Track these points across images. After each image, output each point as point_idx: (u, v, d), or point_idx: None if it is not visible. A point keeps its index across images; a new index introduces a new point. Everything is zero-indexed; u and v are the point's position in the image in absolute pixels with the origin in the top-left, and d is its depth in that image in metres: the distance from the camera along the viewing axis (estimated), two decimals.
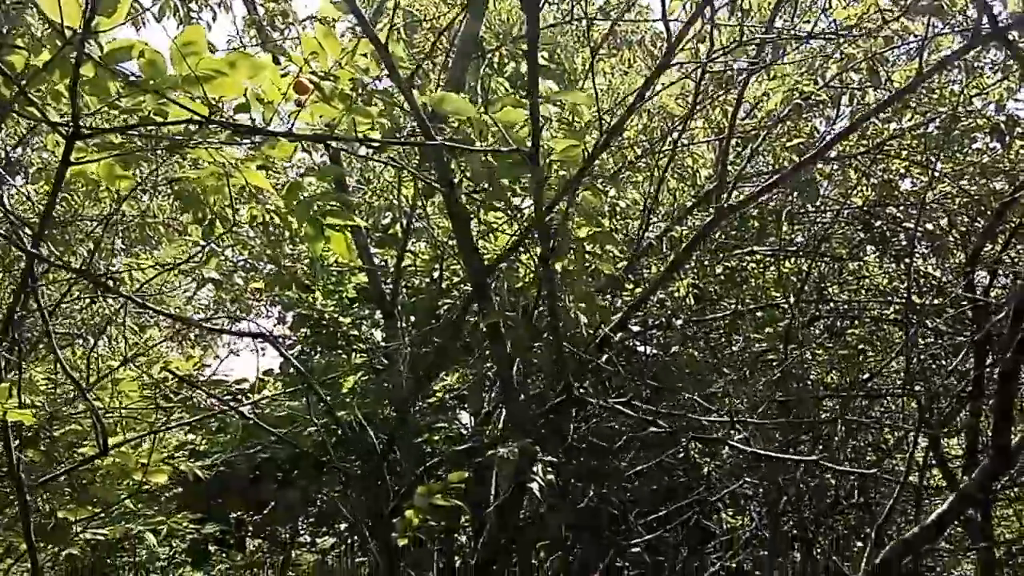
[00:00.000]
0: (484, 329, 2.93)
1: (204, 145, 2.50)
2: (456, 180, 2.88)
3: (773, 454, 3.21)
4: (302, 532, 7.56)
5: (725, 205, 2.97)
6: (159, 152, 2.74)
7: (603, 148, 2.43)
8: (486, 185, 2.45)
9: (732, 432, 2.58)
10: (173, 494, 5.92)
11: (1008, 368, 2.88)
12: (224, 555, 7.19)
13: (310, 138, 2.39)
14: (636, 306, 3.50)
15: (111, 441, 3.39)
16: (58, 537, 3.38)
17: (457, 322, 2.49)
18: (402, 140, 2.58)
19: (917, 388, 4.02)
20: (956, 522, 5.86)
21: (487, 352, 4.13)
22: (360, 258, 5.64)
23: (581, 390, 2.61)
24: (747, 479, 4.84)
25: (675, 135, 3.45)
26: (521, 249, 3.01)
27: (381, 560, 2.58)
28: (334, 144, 2.83)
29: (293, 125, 2.32)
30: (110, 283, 2.68)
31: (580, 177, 2.43)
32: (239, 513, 6.38)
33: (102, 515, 4.02)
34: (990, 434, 3.50)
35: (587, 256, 2.52)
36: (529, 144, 2.08)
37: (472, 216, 3.15)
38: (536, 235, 2.26)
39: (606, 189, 2.87)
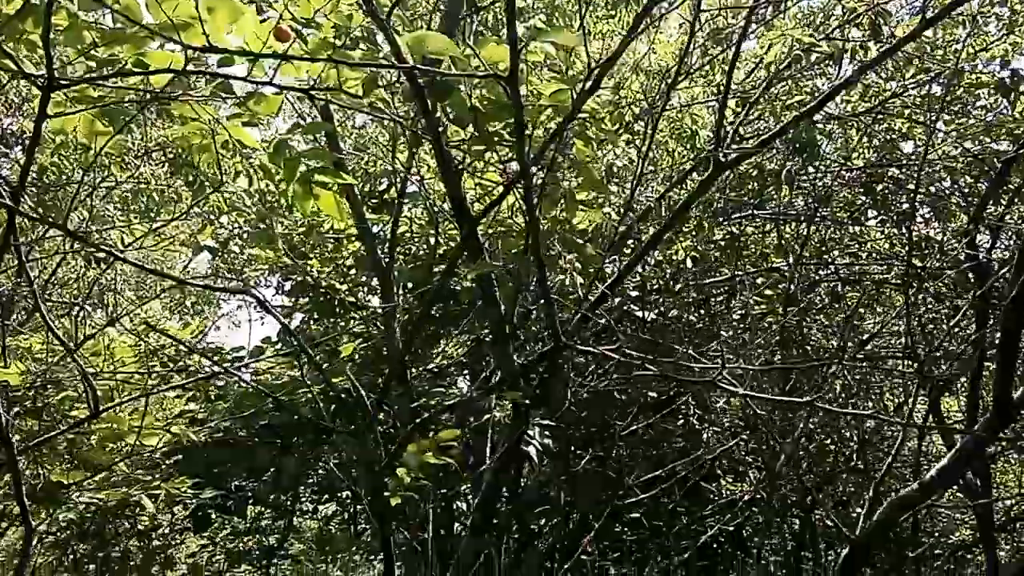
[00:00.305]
0: (473, 281, 2.90)
1: (186, 98, 2.44)
2: (441, 129, 2.82)
3: (767, 396, 3.15)
4: (303, 499, 7.59)
5: (723, 159, 2.91)
6: (142, 108, 2.68)
7: (593, 89, 2.36)
8: (472, 131, 2.39)
9: (724, 374, 2.53)
10: (174, 461, 5.93)
11: (1010, 319, 2.82)
12: (225, 521, 7.23)
13: (293, 88, 2.33)
14: (633, 264, 3.45)
15: (106, 406, 3.36)
16: (51, 500, 3.37)
17: (447, 273, 2.45)
18: (382, 63, 2.50)
19: (918, 350, 3.98)
20: (956, 486, 5.87)
21: (482, 314, 4.10)
22: (356, 224, 5.59)
23: (574, 340, 2.56)
24: (744, 438, 4.82)
25: (671, 79, 3.35)
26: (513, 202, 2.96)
27: (374, 521, 2.56)
28: (318, 96, 2.77)
29: (274, 78, 2.26)
30: (93, 241, 2.63)
31: (569, 120, 2.36)
32: (238, 481, 6.38)
33: (97, 479, 4.02)
34: (991, 392, 3.47)
35: (578, 204, 2.47)
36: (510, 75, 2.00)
37: (461, 169, 3.08)
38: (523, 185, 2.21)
39: (599, 138, 2.80)
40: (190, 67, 2.04)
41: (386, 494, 2.57)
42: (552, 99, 2.38)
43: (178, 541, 7.35)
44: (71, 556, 6.35)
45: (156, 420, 4.24)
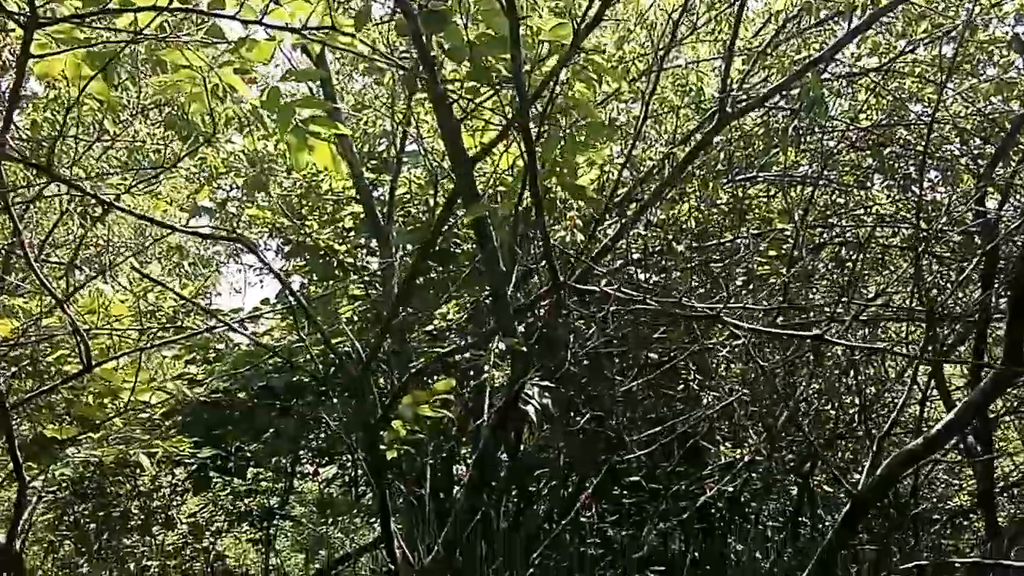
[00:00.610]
0: (470, 228, 2.83)
1: (175, 41, 2.36)
2: (437, 68, 2.73)
3: (771, 330, 3.08)
4: (304, 461, 7.60)
5: (730, 109, 2.83)
6: (126, 45, 2.60)
7: (596, 22, 2.27)
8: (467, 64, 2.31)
9: (726, 311, 2.46)
10: (173, 422, 5.93)
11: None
12: (226, 483, 7.25)
13: (283, 28, 2.25)
14: (637, 215, 3.38)
15: (99, 361, 3.33)
16: (45, 456, 3.36)
17: (442, 217, 2.39)
18: None
19: (921, 310, 3.92)
20: (956, 451, 5.86)
21: (481, 275, 4.04)
22: (355, 184, 5.52)
23: (573, 278, 2.50)
24: (744, 394, 4.78)
25: (674, 28, 3.25)
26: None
27: (369, 475, 2.54)
28: (310, 43, 2.68)
29: (263, 19, 2.19)
30: (83, 187, 2.57)
31: (570, 55, 2.28)
32: (238, 442, 6.38)
33: (96, 437, 4.00)
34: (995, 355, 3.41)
35: (578, 146, 2.39)
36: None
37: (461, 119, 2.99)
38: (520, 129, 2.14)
39: (600, 79, 2.71)
40: (176, 2, 1.97)
41: (382, 448, 2.54)
42: (552, 34, 2.29)
43: (179, 502, 7.39)
44: (71, 516, 6.39)
45: (153, 379, 4.22)
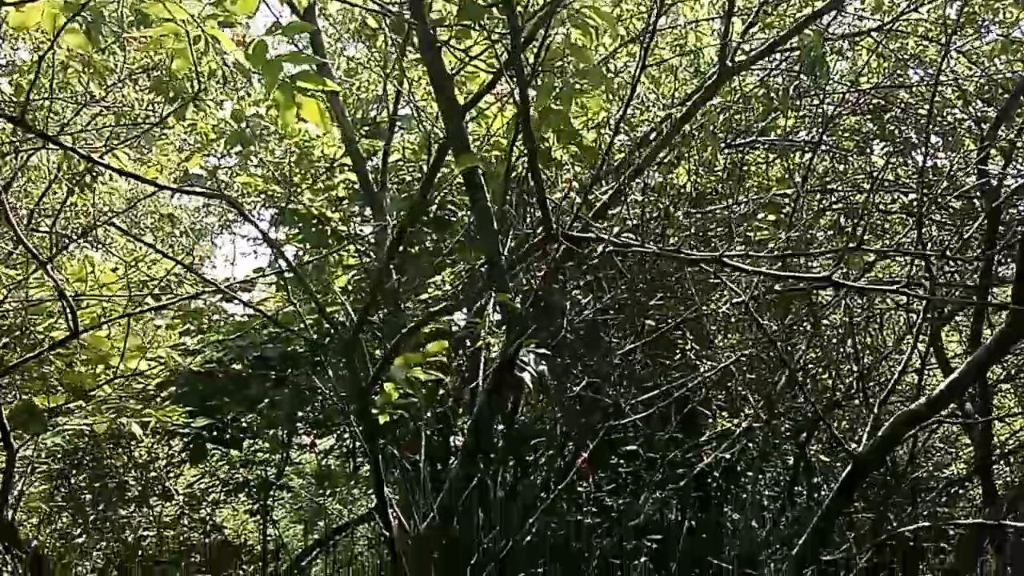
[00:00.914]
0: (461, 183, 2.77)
1: None
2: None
3: (776, 272, 3.01)
4: (300, 432, 7.58)
5: (730, 64, 2.75)
6: (116, 10, 2.51)
7: None
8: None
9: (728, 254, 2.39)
10: (169, 394, 5.90)
11: None
12: (222, 454, 7.24)
13: None
14: (634, 176, 3.31)
15: (86, 326, 3.27)
16: (34, 425, 3.32)
17: (433, 170, 2.32)
18: None
19: (922, 277, 3.87)
20: (954, 418, 5.84)
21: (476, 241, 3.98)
22: (347, 148, 5.43)
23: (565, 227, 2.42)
24: (744, 357, 4.74)
25: None
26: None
27: (362, 440, 2.49)
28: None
29: None
30: (61, 140, 2.49)
31: None
32: (233, 413, 6.35)
33: (89, 407, 3.96)
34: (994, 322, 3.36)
35: (574, 92, 2.31)
36: None
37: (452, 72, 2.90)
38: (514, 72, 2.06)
39: (596, 31, 2.61)
40: None
41: (373, 412, 2.50)
42: None
43: (176, 473, 7.38)
44: (67, 488, 6.38)
45: (144, 347, 4.16)
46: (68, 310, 2.87)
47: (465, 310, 5.83)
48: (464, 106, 2.52)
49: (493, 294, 2.74)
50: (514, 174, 3.57)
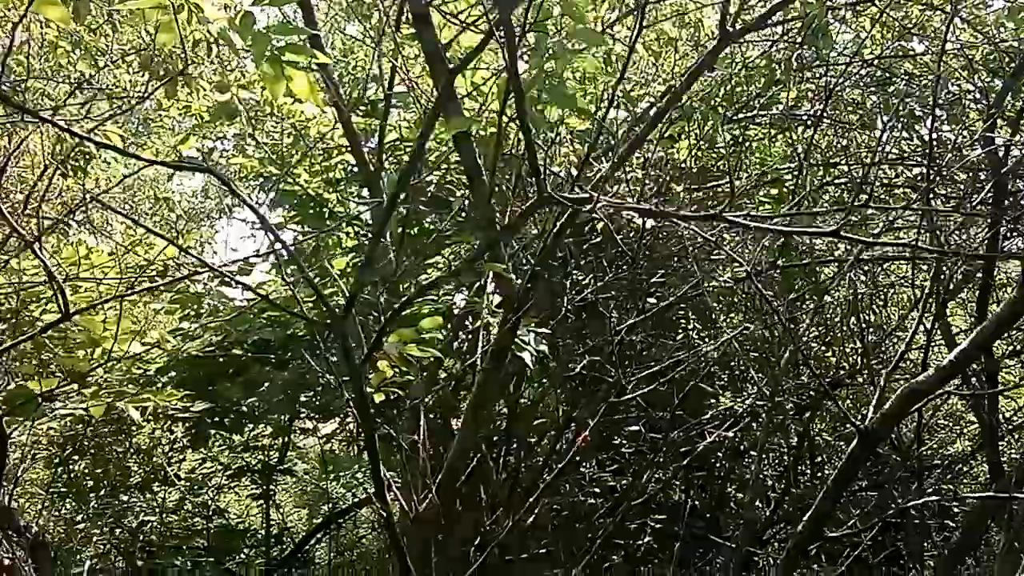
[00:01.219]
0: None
1: None
2: None
3: (779, 228, 2.94)
4: (302, 416, 7.55)
5: (730, 30, 2.67)
6: None
7: None
8: None
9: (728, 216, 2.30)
10: (169, 379, 5.86)
11: None
12: (224, 439, 7.22)
13: None
14: (634, 148, 3.24)
15: (77, 308, 3.22)
16: (25, 407, 3.28)
17: (423, 135, 2.25)
18: None
19: (928, 248, 3.81)
20: (959, 396, 5.79)
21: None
22: (344, 132, 5.35)
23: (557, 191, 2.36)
24: (747, 330, 4.68)
25: None
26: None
27: (358, 417, 2.45)
28: None
29: None
30: (42, 114, 2.43)
31: None
32: (233, 397, 6.31)
33: (87, 392, 3.91)
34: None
35: (568, 53, 2.25)
36: None
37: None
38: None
39: None
40: None
41: (369, 390, 2.45)
42: None
43: (179, 459, 7.36)
44: (69, 474, 6.37)
45: (138, 330, 4.11)
46: (58, 292, 2.82)
47: (464, 290, 5.81)
48: (454, 69, 2.45)
49: (485, 262, 2.68)
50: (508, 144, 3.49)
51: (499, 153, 2.56)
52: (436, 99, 2.38)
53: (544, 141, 3.56)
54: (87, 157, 4.64)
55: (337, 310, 2.50)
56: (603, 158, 4.28)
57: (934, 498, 4.24)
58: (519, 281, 3.09)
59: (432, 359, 2.74)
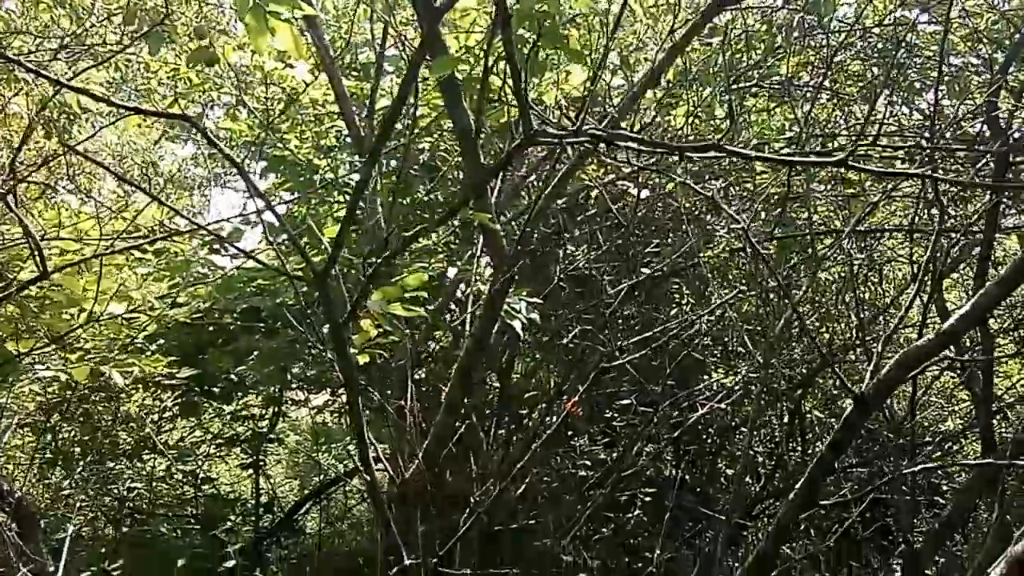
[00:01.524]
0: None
1: None
2: None
3: (782, 158, 2.85)
4: (293, 387, 7.50)
5: None
6: None
7: None
8: None
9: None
10: (158, 346, 5.79)
11: None
12: (214, 408, 7.17)
13: None
14: (629, 107, 3.17)
15: (56, 267, 3.15)
16: (4, 369, 3.21)
17: (408, 79, 2.18)
18: None
19: (925, 224, 3.75)
20: (953, 372, 5.76)
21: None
22: (337, 103, 5.26)
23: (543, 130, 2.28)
24: (740, 291, 4.62)
25: None
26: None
27: (343, 378, 2.39)
28: None
29: None
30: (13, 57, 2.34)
31: None
32: (221, 365, 6.25)
33: (74, 357, 3.85)
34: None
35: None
36: None
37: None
38: None
39: None
40: None
41: (352, 351, 2.39)
42: None
43: (169, 428, 7.31)
44: (55, 441, 6.31)
45: (120, 291, 4.03)
46: (36, 250, 2.75)
47: (457, 263, 5.74)
48: (439, 9, 2.37)
49: (472, 212, 2.61)
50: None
51: (486, 93, 2.48)
52: (421, 41, 2.30)
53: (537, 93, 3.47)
54: (70, 117, 4.54)
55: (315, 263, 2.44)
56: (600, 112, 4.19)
57: (931, 465, 4.20)
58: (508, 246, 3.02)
59: (420, 320, 2.68)
